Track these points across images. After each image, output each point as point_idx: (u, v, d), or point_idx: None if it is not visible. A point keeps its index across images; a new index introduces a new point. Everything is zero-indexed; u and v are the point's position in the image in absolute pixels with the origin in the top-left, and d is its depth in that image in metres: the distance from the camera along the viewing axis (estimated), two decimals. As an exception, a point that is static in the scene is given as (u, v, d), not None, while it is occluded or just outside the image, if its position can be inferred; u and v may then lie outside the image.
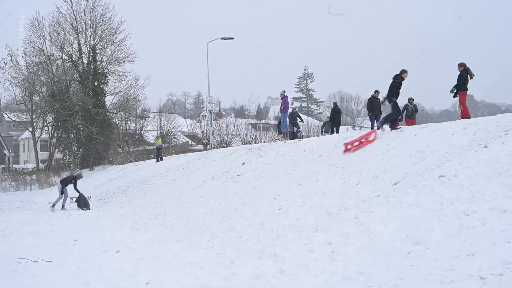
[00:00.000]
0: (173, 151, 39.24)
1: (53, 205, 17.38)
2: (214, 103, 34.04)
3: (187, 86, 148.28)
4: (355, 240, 7.15)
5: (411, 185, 8.29)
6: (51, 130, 41.68)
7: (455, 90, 13.26)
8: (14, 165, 51.23)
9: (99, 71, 37.42)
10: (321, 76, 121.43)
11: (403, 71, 13.42)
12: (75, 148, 38.74)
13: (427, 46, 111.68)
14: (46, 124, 41.63)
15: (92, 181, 28.38)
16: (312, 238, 7.81)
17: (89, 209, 17.39)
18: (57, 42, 37.72)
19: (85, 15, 37.47)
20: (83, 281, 7.19)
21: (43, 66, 38.38)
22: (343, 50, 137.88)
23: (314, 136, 27.10)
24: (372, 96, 18.37)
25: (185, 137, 51.30)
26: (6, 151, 55.83)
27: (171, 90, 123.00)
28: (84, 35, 37.75)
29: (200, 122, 47.93)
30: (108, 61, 38.04)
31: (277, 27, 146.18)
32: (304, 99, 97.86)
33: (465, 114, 13.22)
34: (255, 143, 30.24)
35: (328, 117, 23.41)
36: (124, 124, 43.84)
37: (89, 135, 35.64)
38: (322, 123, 27.21)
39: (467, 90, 13.38)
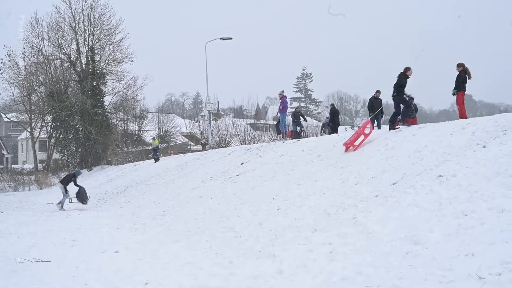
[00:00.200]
0: (172, 151, 39.19)
1: (62, 206, 17.45)
2: (212, 103, 33.96)
3: (186, 86, 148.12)
4: (354, 240, 7.16)
5: (410, 185, 8.30)
6: (50, 130, 41.63)
7: (455, 90, 13.28)
8: (12, 166, 51.11)
9: (98, 71, 37.38)
10: (320, 76, 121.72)
11: (407, 69, 13.43)
12: (74, 148, 38.69)
13: (426, 46, 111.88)
14: (44, 124, 41.59)
15: (90, 181, 28.33)
16: (310, 238, 7.82)
17: (86, 203, 17.63)
18: (55, 42, 37.71)
19: (83, 15, 37.47)
20: (82, 281, 7.18)
21: (41, 67, 38.34)
22: (342, 50, 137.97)
23: (312, 136, 27.09)
24: (373, 96, 18.11)
25: (183, 137, 51.29)
26: (4, 152, 55.82)
27: (170, 90, 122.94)
28: (82, 35, 37.74)
29: (199, 122, 47.91)
30: (106, 61, 38.00)
31: (276, 27, 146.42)
32: (303, 99, 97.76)
33: (462, 114, 13.23)
34: (254, 143, 30.22)
35: (327, 117, 23.36)
36: (122, 124, 43.80)
37: (88, 136, 35.61)
38: (322, 123, 27.18)
39: (465, 90, 13.40)
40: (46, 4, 43.63)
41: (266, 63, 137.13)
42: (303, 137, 20.46)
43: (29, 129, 42.74)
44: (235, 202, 11.82)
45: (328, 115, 23.98)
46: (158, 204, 15.22)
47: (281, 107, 20.09)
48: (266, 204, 10.57)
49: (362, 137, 12.80)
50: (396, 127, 13.40)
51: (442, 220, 6.64)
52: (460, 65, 13.34)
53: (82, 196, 17.66)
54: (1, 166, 49.89)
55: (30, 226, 12.85)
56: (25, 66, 38.70)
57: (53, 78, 37.90)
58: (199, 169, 19.24)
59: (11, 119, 44.99)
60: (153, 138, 32.37)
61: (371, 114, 17.99)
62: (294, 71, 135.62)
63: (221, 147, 30.08)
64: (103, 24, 37.78)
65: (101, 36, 37.83)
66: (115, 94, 39.05)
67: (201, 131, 44.12)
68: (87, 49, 37.87)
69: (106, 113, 38.37)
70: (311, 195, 10.01)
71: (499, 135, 9.00)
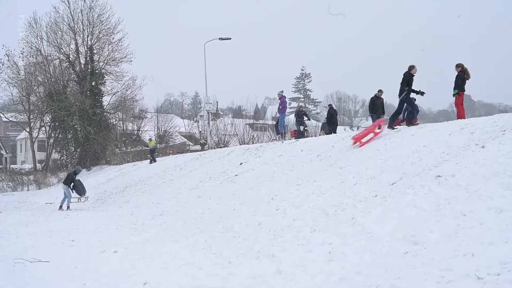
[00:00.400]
0: (171, 151, 39.17)
1: (68, 207, 17.49)
2: (211, 103, 34.04)
3: (185, 86, 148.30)
4: (353, 240, 7.16)
5: (409, 185, 8.30)
6: (49, 130, 41.56)
7: (456, 91, 13.29)
8: (11, 166, 51.04)
9: (97, 71, 37.33)
10: (319, 76, 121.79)
11: (412, 67, 13.43)
12: (73, 148, 38.66)
13: (426, 46, 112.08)
14: (43, 124, 41.51)
15: (89, 181, 28.27)
16: (309, 238, 7.82)
17: (83, 195, 18.04)
18: (54, 42, 37.70)
19: (82, 15, 37.47)
20: (81, 281, 7.17)
21: (40, 67, 38.33)
22: (341, 50, 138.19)
23: (311, 136, 27.08)
24: (375, 95, 17.82)
25: (182, 137, 51.24)
26: (3, 152, 55.74)
27: (169, 90, 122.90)
28: (81, 35, 37.73)
29: (198, 122, 47.91)
30: (105, 61, 37.99)
31: (275, 27, 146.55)
32: (302, 99, 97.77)
33: (460, 115, 13.25)
34: (253, 143, 30.27)
35: (326, 118, 23.30)
36: (121, 124, 43.75)
37: (87, 136, 35.56)
38: (321, 124, 27.15)
39: (464, 90, 13.42)
40: (45, 4, 43.74)
41: (265, 63, 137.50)
42: (307, 137, 20.31)
43: (28, 129, 42.65)
44: (234, 202, 11.81)
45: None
46: (157, 204, 15.21)
47: (280, 107, 20.06)
48: (265, 204, 10.57)
49: (371, 135, 12.83)
50: (395, 127, 13.40)
51: (441, 220, 6.65)
52: (459, 66, 13.37)
53: (79, 189, 17.72)
54: (0, 166, 49.84)
55: (29, 226, 12.83)
56: (24, 66, 38.69)
57: (52, 78, 37.88)
58: (198, 169, 19.23)
59: (10, 119, 44.90)
60: (150, 139, 32.40)
61: (371, 113, 17.90)
62: (293, 71, 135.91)
63: (220, 147, 30.07)
64: (102, 24, 37.80)
65: (100, 36, 37.83)
66: (114, 94, 39.09)
67: (200, 131, 44.11)
68: (86, 49, 37.86)
69: (105, 113, 38.33)
70: (310, 195, 10.01)
71: (497, 135, 9.02)
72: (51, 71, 38.39)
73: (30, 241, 10.42)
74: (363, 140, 12.73)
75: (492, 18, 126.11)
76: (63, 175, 35.22)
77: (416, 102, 14.42)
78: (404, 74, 13.38)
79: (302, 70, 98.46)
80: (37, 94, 39.59)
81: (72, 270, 7.83)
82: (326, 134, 20.29)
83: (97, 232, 11.70)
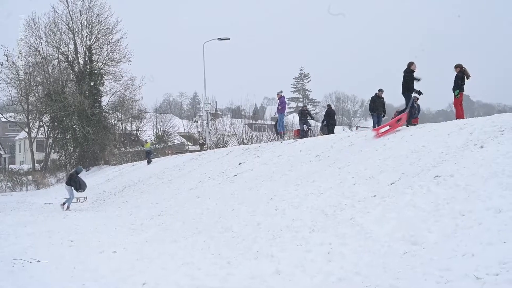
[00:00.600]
0: (170, 152, 39.17)
1: (68, 207, 17.47)
2: (210, 104, 34.01)
3: (184, 86, 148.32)
4: (351, 240, 7.16)
5: (407, 185, 8.31)
6: (47, 130, 41.57)
7: (457, 92, 13.31)
8: (10, 166, 50.99)
9: (95, 71, 37.35)
10: (318, 76, 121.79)
11: (411, 63, 13.46)
12: (71, 148, 38.67)
13: (426, 46, 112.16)
14: (42, 124, 41.52)
15: (88, 182, 27.98)
16: (308, 238, 7.82)
17: (83, 191, 18.05)
18: (53, 42, 37.72)
19: (81, 16, 37.48)
20: (80, 281, 7.16)
21: (39, 67, 38.31)
22: (341, 50, 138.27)
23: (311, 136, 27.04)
24: (375, 94, 17.73)
25: (181, 138, 51.21)
26: (2, 152, 55.62)
27: (168, 90, 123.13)
28: (80, 35, 37.74)
29: (197, 122, 47.89)
30: (104, 62, 38.01)
31: (274, 27, 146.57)
32: (301, 100, 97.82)
33: (459, 116, 13.26)
34: (252, 143, 30.25)
35: (324, 118, 23.26)
36: (120, 124, 43.74)
37: (85, 136, 35.57)
38: (320, 125, 27.13)
39: (463, 91, 13.44)
40: (44, 4, 43.67)
41: (264, 63, 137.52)
42: (311, 136, 20.21)
43: (26, 129, 42.66)
44: (233, 203, 11.81)
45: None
46: (156, 204, 15.20)
47: (279, 107, 20.03)
48: (264, 204, 10.57)
49: (388, 127, 12.91)
50: (414, 123, 13.54)
51: (439, 220, 6.65)
52: (457, 66, 13.39)
53: (81, 184, 17.71)
54: (-1, 166, 49.79)
55: (27, 226, 12.81)
56: (22, 66, 38.67)
57: (50, 78, 37.88)
58: (197, 169, 19.23)
59: (9, 119, 44.94)
60: (145, 141, 32.48)
61: (371, 113, 17.80)
62: (292, 71, 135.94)
63: (219, 147, 30.08)
64: (100, 24, 37.83)
65: (99, 36, 37.85)
66: (113, 94, 39.11)
67: (199, 131, 44.10)
68: (84, 49, 37.86)
69: (103, 113, 38.36)
70: (309, 195, 10.01)
71: (496, 136, 9.02)
72: (50, 71, 38.41)
73: (29, 242, 10.41)
74: (381, 130, 13.00)
75: (492, 18, 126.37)
76: (61, 175, 35.32)
77: (417, 102, 14.45)
78: (405, 71, 13.41)
79: (301, 70, 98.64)
80: (36, 94, 39.60)
81: (71, 271, 7.83)
82: (324, 135, 20.30)
83: (96, 232, 11.69)
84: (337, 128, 22.84)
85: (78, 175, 18.17)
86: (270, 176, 13.08)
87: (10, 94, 41.03)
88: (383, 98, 17.58)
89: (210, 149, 29.07)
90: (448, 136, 10.25)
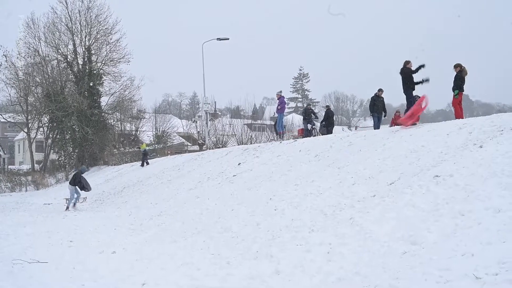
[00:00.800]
0: (169, 152, 39.15)
1: (67, 208, 17.54)
2: (209, 104, 34.00)
3: (183, 86, 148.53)
4: (351, 240, 7.16)
5: (407, 185, 8.31)
6: (47, 131, 41.52)
7: (457, 92, 13.31)
8: (9, 166, 50.97)
9: (94, 71, 37.29)
10: (318, 76, 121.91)
11: (407, 62, 13.49)
12: (71, 149, 38.62)
13: (426, 46, 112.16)
14: (41, 125, 41.46)
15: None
16: (308, 238, 7.82)
17: (88, 190, 18.37)
18: (52, 43, 37.62)
19: (80, 16, 37.38)
20: (79, 282, 7.17)
21: (38, 67, 38.25)
22: (340, 50, 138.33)
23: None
24: (375, 94, 17.71)
25: (180, 138, 51.22)
26: (1, 152, 55.61)
27: (167, 90, 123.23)
28: (79, 35, 37.67)
29: (196, 122, 47.92)
30: (103, 62, 37.92)
31: (274, 27, 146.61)
32: (300, 100, 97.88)
33: (458, 115, 13.26)
34: (251, 143, 30.22)
35: (323, 119, 23.25)
36: (119, 124, 43.72)
37: (85, 136, 35.54)
38: (319, 126, 27.10)
39: (463, 90, 13.44)
40: (43, 5, 43.60)
41: (264, 63, 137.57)
42: (315, 135, 20.12)
43: (25, 130, 42.59)
44: (232, 203, 11.81)
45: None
46: (155, 204, 15.20)
47: (279, 107, 20.02)
48: (263, 204, 10.56)
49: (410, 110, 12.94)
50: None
51: (439, 220, 6.66)
52: (457, 66, 13.38)
53: (86, 183, 18.07)
54: (-2, 167, 49.75)
55: (27, 227, 12.82)
56: (22, 66, 38.64)
57: (49, 79, 37.81)
58: (196, 169, 19.22)
59: (8, 119, 44.87)
60: (141, 143, 32.48)
61: (371, 113, 17.76)
62: (291, 71, 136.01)
63: (218, 148, 30.06)
64: (99, 25, 37.73)
65: (98, 36, 37.77)
66: (112, 94, 39.03)
67: (198, 132, 44.10)
68: (83, 50, 37.79)
69: (103, 114, 38.30)
70: (308, 195, 10.01)
71: (495, 135, 9.02)
72: (49, 71, 38.33)
73: (29, 242, 10.42)
74: (407, 117, 12.95)
75: (492, 18, 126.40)
76: (61, 175, 35.32)
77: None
78: (401, 70, 13.42)
79: (300, 70, 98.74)
80: (35, 94, 39.54)
81: (71, 271, 7.84)
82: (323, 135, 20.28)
83: (95, 232, 11.70)
84: (336, 128, 22.80)
85: (82, 174, 18.26)
86: (270, 176, 13.08)
87: (9, 94, 41.01)
88: (383, 98, 17.55)
89: (210, 149, 29.05)
90: (447, 136, 10.25)
